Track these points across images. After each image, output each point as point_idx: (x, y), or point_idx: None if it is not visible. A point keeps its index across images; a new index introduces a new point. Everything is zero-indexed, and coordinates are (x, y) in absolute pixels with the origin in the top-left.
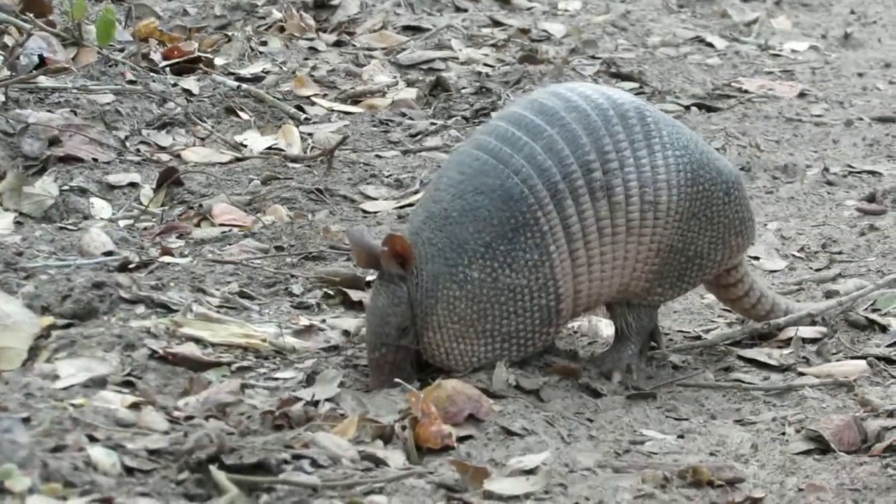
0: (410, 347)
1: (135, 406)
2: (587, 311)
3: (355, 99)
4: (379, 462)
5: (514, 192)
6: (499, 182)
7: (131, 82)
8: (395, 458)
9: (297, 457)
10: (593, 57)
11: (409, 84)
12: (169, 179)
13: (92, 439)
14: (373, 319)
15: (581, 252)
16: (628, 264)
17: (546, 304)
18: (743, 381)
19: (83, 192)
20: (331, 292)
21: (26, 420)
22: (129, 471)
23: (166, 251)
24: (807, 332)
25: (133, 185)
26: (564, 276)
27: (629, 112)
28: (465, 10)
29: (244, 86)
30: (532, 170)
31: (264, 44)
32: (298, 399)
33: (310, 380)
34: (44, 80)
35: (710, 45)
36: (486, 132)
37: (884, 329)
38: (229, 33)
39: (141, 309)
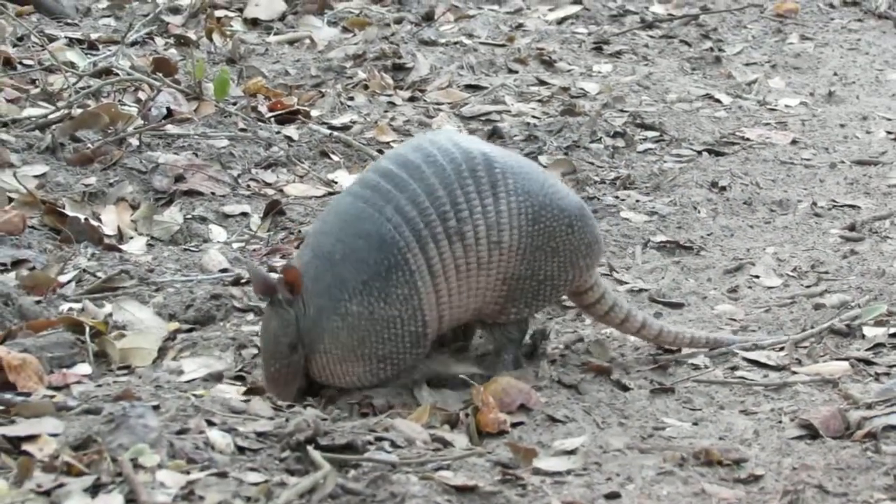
0: (300, 362)
1: (246, 395)
2: (448, 329)
3: None
4: (446, 443)
5: (387, 237)
6: (374, 228)
7: (242, 130)
8: (460, 440)
9: (379, 439)
10: (621, 110)
11: (471, 132)
12: (273, 210)
13: (210, 423)
14: (267, 339)
15: (443, 286)
16: (480, 293)
17: (415, 330)
18: (746, 378)
19: (203, 220)
20: None
21: (156, 407)
22: (241, 450)
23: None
24: (799, 337)
25: (244, 214)
26: (430, 306)
27: (478, 165)
28: (516, 72)
29: (335, 133)
30: (401, 219)
31: (351, 99)
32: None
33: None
34: (171, 128)
35: (717, 100)
36: (362, 184)
37: (863, 336)
38: (323, 90)
39: (250, 316)
